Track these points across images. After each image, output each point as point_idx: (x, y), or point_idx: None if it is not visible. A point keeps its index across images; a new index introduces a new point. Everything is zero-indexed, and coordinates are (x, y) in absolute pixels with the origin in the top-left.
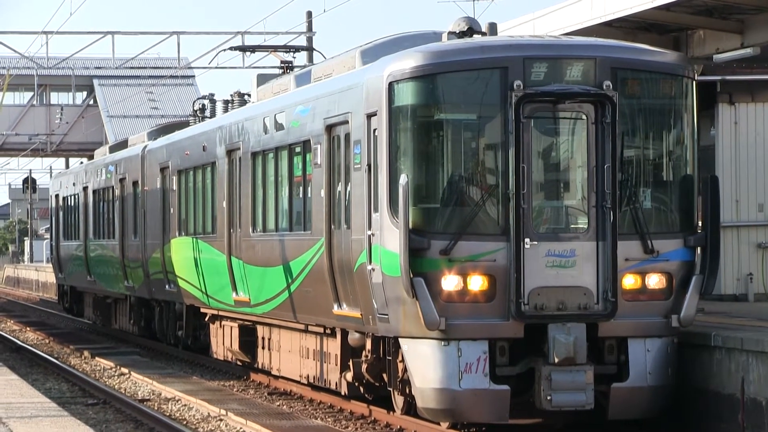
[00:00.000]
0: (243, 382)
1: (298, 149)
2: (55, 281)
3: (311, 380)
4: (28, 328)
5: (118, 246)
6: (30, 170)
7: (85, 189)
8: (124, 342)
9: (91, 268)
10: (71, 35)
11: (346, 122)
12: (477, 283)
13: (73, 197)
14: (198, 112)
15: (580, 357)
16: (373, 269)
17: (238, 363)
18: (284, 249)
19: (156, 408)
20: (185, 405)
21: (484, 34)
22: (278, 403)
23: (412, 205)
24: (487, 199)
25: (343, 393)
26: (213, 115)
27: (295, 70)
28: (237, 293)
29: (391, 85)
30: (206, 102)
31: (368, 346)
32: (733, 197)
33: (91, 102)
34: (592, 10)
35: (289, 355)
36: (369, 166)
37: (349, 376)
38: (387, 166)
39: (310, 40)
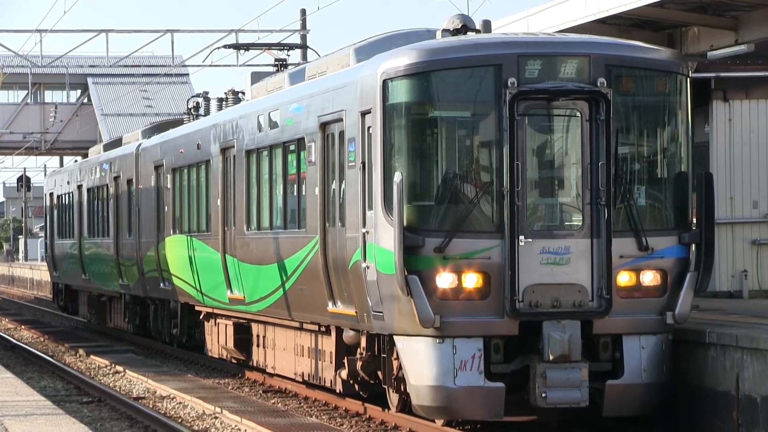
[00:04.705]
0: (238, 380)
1: (292, 147)
2: (49, 279)
3: (306, 378)
4: (22, 327)
5: (112, 244)
6: (24, 168)
7: (79, 187)
8: (119, 340)
9: (85, 267)
10: (65, 33)
11: (341, 120)
12: (471, 280)
13: (67, 195)
14: (192, 110)
15: (574, 354)
16: (368, 267)
17: (233, 361)
18: (279, 247)
19: (151, 406)
20: (180, 403)
21: (478, 31)
22: (273, 401)
23: (407, 202)
24: (481, 196)
25: (337, 391)
26: (207, 113)
27: (290, 68)
28: (232, 291)
29: (385, 83)
30: (200, 100)
31: (363, 343)
32: (728, 194)
33: (85, 100)
34: (586, 7)
35: (284, 352)
36: (363, 163)
37: (344, 373)
38: (381, 164)
39: (304, 38)
